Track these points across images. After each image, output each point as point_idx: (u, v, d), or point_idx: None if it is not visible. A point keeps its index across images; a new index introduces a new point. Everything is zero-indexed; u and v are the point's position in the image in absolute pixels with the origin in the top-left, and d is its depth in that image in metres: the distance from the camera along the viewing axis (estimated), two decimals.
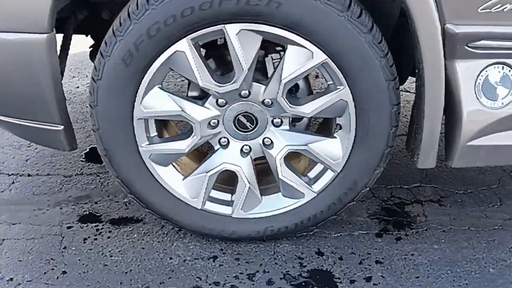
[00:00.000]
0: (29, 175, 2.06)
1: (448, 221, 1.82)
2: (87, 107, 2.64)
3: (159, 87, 1.42)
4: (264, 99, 1.45)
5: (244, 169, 1.56)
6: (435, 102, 1.34)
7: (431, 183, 2.05)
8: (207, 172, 1.55)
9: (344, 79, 1.37)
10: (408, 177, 2.10)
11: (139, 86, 1.37)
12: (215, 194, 1.63)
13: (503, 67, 1.35)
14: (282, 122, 1.51)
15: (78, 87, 2.83)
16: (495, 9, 1.25)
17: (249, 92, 1.44)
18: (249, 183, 1.55)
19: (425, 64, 1.28)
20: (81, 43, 2.36)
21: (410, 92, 2.69)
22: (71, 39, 1.76)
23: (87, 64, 3.00)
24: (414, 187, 2.03)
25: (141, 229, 1.76)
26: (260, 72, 1.49)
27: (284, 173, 1.55)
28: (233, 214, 1.61)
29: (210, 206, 1.61)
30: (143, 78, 1.36)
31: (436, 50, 1.26)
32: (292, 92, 1.55)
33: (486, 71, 1.35)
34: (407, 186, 2.03)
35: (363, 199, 1.93)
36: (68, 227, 1.76)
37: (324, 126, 1.64)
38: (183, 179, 1.58)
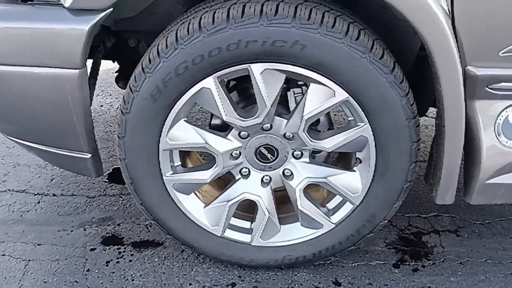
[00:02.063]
0: (54, 195, 2.12)
1: (465, 253, 1.83)
2: (110, 126, 2.71)
3: (184, 120, 1.47)
4: (285, 133, 1.49)
5: (264, 199, 1.59)
6: (455, 142, 1.36)
7: (449, 213, 2.06)
8: (227, 201, 1.59)
9: (365, 116, 1.40)
10: (426, 205, 2.11)
11: (166, 119, 1.42)
12: (234, 221, 1.67)
13: None
14: (302, 154, 1.54)
15: (102, 105, 2.91)
16: None
17: (271, 125, 1.48)
18: (268, 212, 1.59)
19: (446, 104, 1.31)
20: (104, 62, 2.45)
21: (428, 117, 2.71)
22: (100, 65, 1.82)
23: (111, 83, 3.07)
24: (432, 216, 2.04)
25: (161, 253, 1.80)
26: (282, 106, 1.53)
27: (303, 204, 1.58)
28: (252, 242, 1.64)
29: (230, 234, 1.65)
30: (170, 112, 1.41)
31: (456, 92, 1.29)
32: (313, 125, 1.58)
33: (506, 111, 1.37)
34: (424, 215, 2.05)
35: (380, 228, 1.97)
36: (91, 249, 1.81)
37: (344, 159, 1.67)
38: (204, 207, 1.62)
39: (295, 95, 1.51)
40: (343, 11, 1.38)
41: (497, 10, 1.24)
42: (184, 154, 1.64)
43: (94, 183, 2.18)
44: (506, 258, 1.80)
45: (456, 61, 1.25)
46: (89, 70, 1.68)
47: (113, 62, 2.07)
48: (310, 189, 1.68)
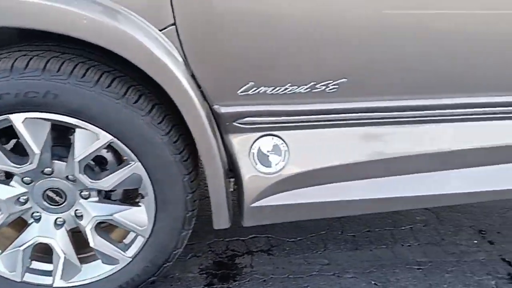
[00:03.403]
0: None
1: (271, 271, 1.99)
2: None
3: None
4: (67, 175, 1.57)
5: (59, 240, 1.64)
6: (213, 172, 1.51)
7: (266, 233, 2.22)
8: (20, 247, 1.62)
9: (133, 155, 1.51)
10: (246, 228, 2.26)
11: None
12: (36, 265, 1.70)
13: (272, 138, 1.55)
14: (90, 194, 1.62)
15: None
16: (252, 91, 1.45)
17: (52, 169, 1.55)
18: (64, 254, 1.64)
19: (197, 141, 1.45)
20: None
21: None
22: None
23: None
24: (250, 238, 2.19)
25: None
26: (66, 148, 1.60)
27: (96, 242, 1.65)
28: (54, 284, 1.68)
29: (30, 278, 1.68)
30: None
31: (202, 129, 1.43)
32: (103, 165, 1.67)
33: (259, 142, 1.55)
34: (243, 237, 2.19)
35: (198, 254, 2.08)
36: None
37: (132, 196, 1.77)
38: (1, 254, 1.64)
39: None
40: (105, 60, 1.49)
41: (227, 59, 1.41)
42: None
43: None
44: (306, 272, 1.98)
45: (194, 103, 1.40)
46: None
47: None
48: (111, 228, 1.76)
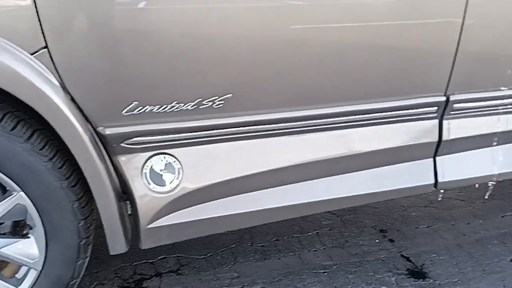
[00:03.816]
0: None
1: None
2: None
3: None
4: None
5: None
6: (103, 197, 1.46)
7: (176, 253, 2.19)
8: None
9: (15, 185, 1.43)
10: (155, 250, 2.22)
11: None
12: None
13: (164, 156, 1.54)
14: None
15: None
16: (137, 111, 1.44)
17: None
18: None
19: (81, 164, 1.41)
20: None
21: None
22: None
23: None
24: (159, 259, 2.15)
25: None
26: None
27: None
28: None
29: None
30: None
31: (85, 152, 1.39)
32: None
33: (150, 161, 1.53)
34: (152, 259, 2.14)
35: (104, 281, 2.00)
36: None
37: (19, 228, 1.68)
38: None
39: None
40: None
41: (107, 79, 1.37)
42: None
43: None
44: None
45: (75, 127, 1.35)
46: None
47: None
48: (2, 265, 1.66)
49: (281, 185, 1.67)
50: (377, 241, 2.29)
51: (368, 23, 1.52)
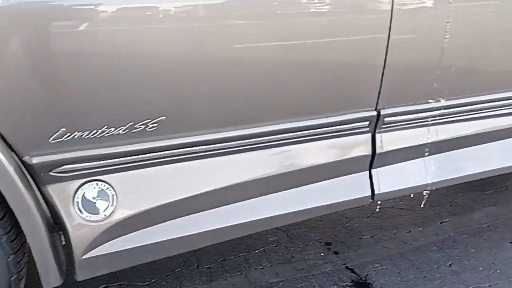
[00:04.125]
0: None
1: None
2: None
3: None
4: None
5: None
6: (32, 230, 1.39)
7: (118, 281, 2.12)
8: None
9: None
10: (95, 279, 2.13)
11: None
12: None
13: (97, 183, 1.49)
14: None
15: None
16: (65, 138, 1.39)
17: None
18: None
19: (8, 198, 1.34)
20: None
21: None
22: None
23: None
24: None
25: None
26: None
27: None
28: None
29: None
30: None
31: (13, 185, 1.32)
32: None
33: (82, 189, 1.47)
34: None
35: None
36: None
37: None
38: None
39: None
40: None
41: (30, 106, 1.31)
42: None
43: None
44: None
45: None
46: None
47: None
48: None
49: (222, 205, 1.65)
50: (322, 254, 2.31)
51: (297, 41, 1.54)
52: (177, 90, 1.46)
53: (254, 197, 1.67)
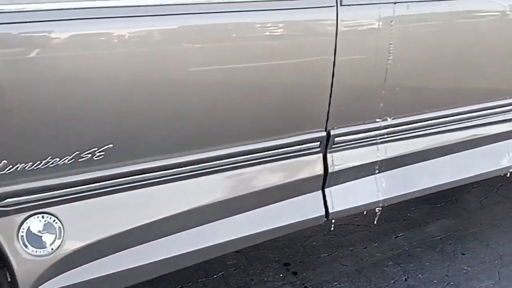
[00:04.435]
0: None
1: None
2: None
3: None
4: None
5: None
6: None
7: None
8: None
9: None
10: None
11: None
12: None
13: (43, 216, 1.44)
14: None
15: None
16: (7, 170, 1.33)
17: None
18: None
19: None
20: None
21: None
22: None
23: None
24: None
25: None
26: None
27: None
28: None
29: None
30: None
31: None
32: None
33: (27, 223, 1.42)
34: None
35: None
36: None
37: None
38: None
39: None
40: None
41: None
42: None
43: None
44: None
45: None
46: None
47: None
48: None
49: (175, 233, 1.62)
50: (281, 275, 2.30)
51: (246, 64, 1.55)
52: (124, 116, 1.44)
53: (208, 223, 1.65)
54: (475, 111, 2.10)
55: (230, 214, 1.68)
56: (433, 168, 2.16)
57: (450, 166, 2.22)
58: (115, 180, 1.47)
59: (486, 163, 2.31)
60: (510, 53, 2.09)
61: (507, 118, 2.20)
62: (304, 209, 1.81)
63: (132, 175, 1.49)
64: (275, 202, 1.73)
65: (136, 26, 1.39)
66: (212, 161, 1.57)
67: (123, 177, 1.48)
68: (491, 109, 2.16)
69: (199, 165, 1.56)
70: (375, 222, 2.18)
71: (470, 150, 2.23)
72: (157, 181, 1.52)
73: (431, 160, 2.12)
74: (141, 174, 1.50)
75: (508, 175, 2.36)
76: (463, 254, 2.50)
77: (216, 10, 1.48)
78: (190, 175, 1.56)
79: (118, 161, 1.46)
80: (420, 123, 1.99)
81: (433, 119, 2.01)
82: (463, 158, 2.22)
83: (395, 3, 1.70)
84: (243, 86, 1.56)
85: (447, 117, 2.08)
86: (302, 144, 1.72)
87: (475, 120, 2.11)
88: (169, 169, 1.53)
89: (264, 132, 1.66)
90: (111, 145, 1.43)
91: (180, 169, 1.54)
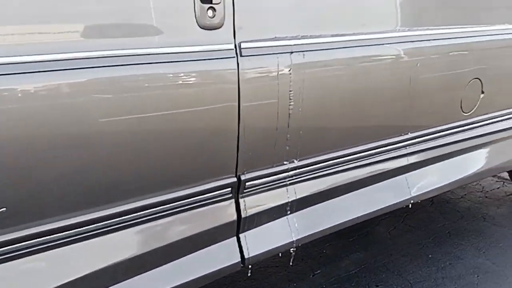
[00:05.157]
0: None
1: None
2: None
3: None
4: None
5: None
6: None
7: None
8: None
9: None
10: None
11: None
12: None
13: None
14: None
15: None
16: None
17: None
18: None
19: None
20: None
21: None
22: None
23: None
24: None
25: None
26: None
27: None
28: None
29: None
30: None
31: None
32: None
33: None
34: None
35: None
36: None
37: None
38: None
39: None
40: None
41: None
42: None
43: None
44: None
45: None
46: None
47: None
48: None
49: None
50: None
51: (152, 114, 1.52)
52: (17, 175, 1.34)
53: (123, 281, 1.58)
54: (374, 149, 2.24)
55: (141, 271, 1.62)
56: (342, 205, 2.25)
57: (358, 201, 2.32)
58: (11, 246, 1.36)
59: (390, 196, 2.46)
60: (402, 94, 2.27)
61: (403, 153, 2.38)
62: (220, 257, 1.79)
63: (31, 239, 1.39)
64: (189, 254, 1.70)
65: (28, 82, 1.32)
66: (119, 217, 1.51)
67: (21, 242, 1.37)
68: (387, 146, 2.32)
69: (108, 222, 1.50)
70: (291, 263, 2.21)
71: (375, 185, 2.36)
72: (61, 243, 1.43)
73: (340, 197, 2.21)
74: (40, 237, 1.41)
75: (410, 206, 2.53)
76: (376, 286, 2.60)
77: (121, 63, 1.45)
78: (99, 232, 1.49)
79: (13, 225, 1.35)
80: (325, 163, 2.09)
81: (337, 158, 2.12)
82: (369, 193, 2.34)
83: (291, 52, 1.81)
84: (151, 137, 1.53)
85: (349, 155, 2.20)
86: (213, 191, 1.72)
87: (375, 157, 2.25)
88: (73, 229, 1.45)
89: (174, 182, 1.64)
90: (4, 209, 1.33)
91: (86, 227, 1.46)
